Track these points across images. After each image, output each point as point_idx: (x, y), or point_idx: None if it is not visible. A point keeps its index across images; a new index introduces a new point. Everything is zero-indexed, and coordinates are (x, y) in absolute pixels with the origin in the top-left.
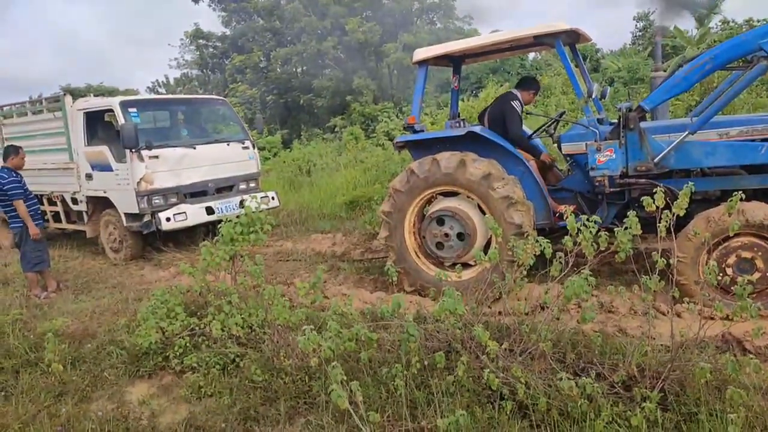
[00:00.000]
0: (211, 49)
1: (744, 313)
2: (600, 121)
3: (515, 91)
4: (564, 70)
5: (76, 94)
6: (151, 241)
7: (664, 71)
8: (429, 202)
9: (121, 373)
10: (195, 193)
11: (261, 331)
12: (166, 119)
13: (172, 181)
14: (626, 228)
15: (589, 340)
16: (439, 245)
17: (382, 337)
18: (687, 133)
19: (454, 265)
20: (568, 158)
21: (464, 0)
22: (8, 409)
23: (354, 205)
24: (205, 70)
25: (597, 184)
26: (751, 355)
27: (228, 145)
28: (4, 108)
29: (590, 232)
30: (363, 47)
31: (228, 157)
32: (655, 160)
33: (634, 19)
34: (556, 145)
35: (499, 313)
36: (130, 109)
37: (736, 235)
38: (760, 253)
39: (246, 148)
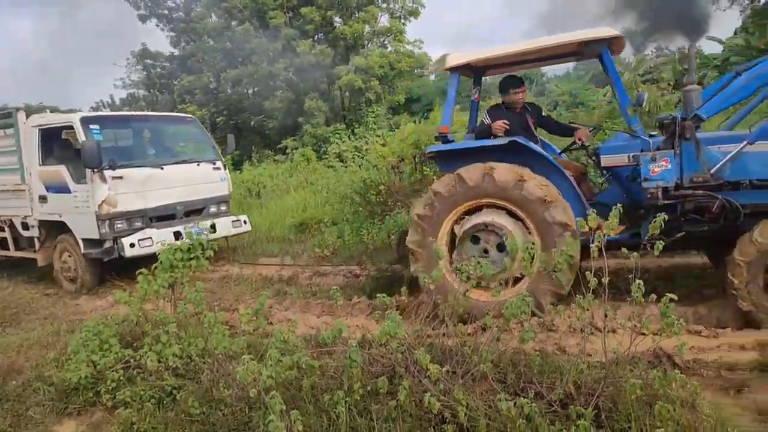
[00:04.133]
0: (159, 69)
1: (670, 329)
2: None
3: (498, 103)
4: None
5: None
6: (112, 269)
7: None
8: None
9: (47, 411)
10: (162, 216)
11: (200, 361)
12: (129, 137)
13: (137, 204)
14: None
15: (529, 360)
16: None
17: (325, 364)
18: (745, 143)
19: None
20: (605, 171)
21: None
22: None
23: (303, 228)
24: (152, 90)
25: (649, 196)
26: (677, 370)
27: (198, 165)
28: None
29: (527, 254)
30: (315, 69)
31: (198, 179)
32: (712, 171)
33: None
34: (590, 158)
35: (444, 334)
36: (92, 126)
37: None
38: None
39: (217, 168)
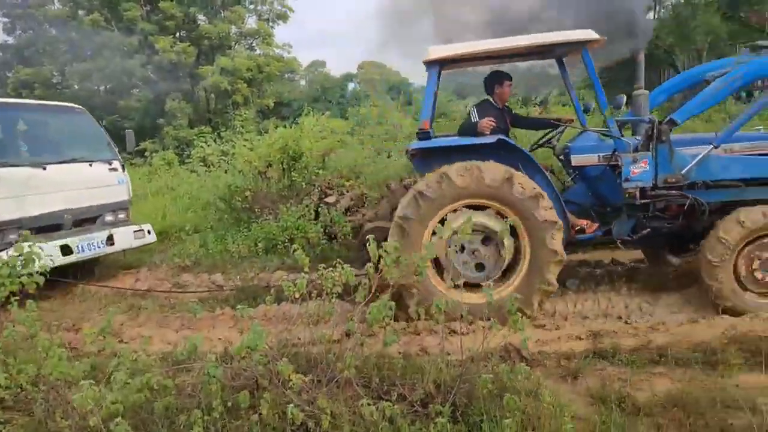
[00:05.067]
0: None
1: (516, 326)
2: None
3: (486, 98)
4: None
5: None
6: None
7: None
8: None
9: None
10: (45, 227)
11: (33, 390)
12: None
13: (13, 212)
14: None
15: (392, 363)
16: (479, 266)
17: (182, 382)
18: (712, 147)
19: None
20: (573, 170)
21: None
22: None
23: (162, 237)
24: None
25: (627, 195)
26: (524, 363)
27: (90, 165)
28: None
29: (391, 258)
30: (176, 68)
31: (91, 181)
32: (683, 172)
33: None
34: (558, 156)
35: (311, 343)
36: None
37: (760, 237)
38: None
39: (114, 169)
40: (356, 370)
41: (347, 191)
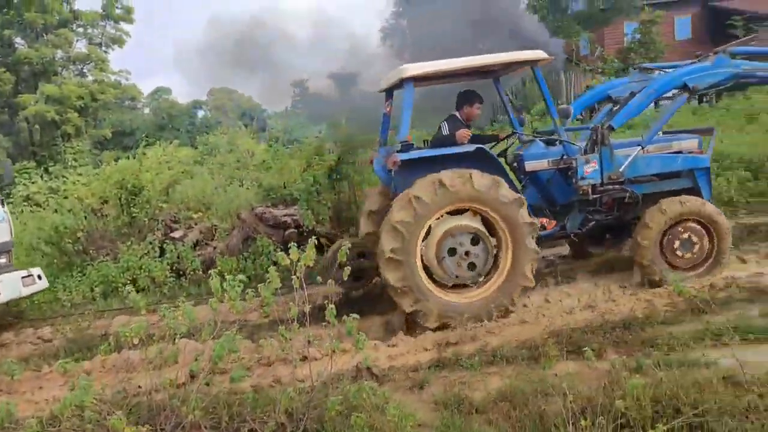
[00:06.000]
0: None
1: (358, 346)
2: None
3: (454, 114)
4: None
5: None
6: None
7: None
8: None
9: None
10: None
11: None
12: None
13: None
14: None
15: (242, 399)
16: (471, 265)
17: None
18: (640, 148)
19: (453, 286)
20: (524, 176)
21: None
22: None
23: None
24: None
25: (582, 192)
26: (374, 380)
27: None
28: None
29: (236, 291)
30: None
31: None
32: (620, 170)
33: (291, 85)
34: (510, 164)
35: (154, 390)
36: None
37: (679, 222)
38: (696, 235)
39: None
40: (204, 411)
41: (195, 224)
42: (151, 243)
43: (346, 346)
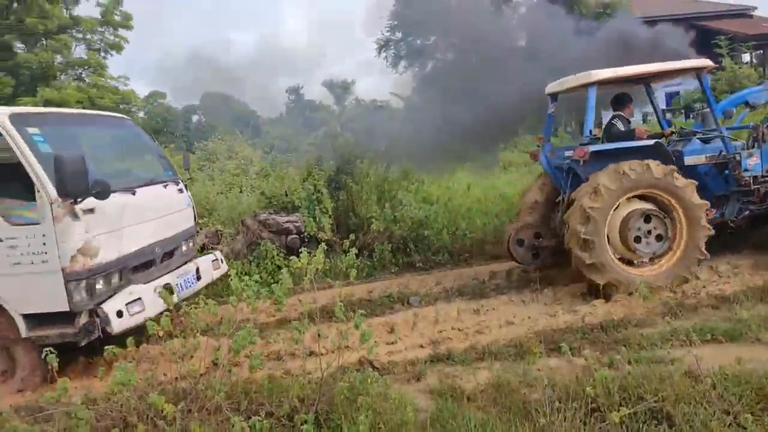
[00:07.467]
0: None
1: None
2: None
3: (620, 113)
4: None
5: None
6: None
7: None
8: None
9: None
10: (140, 265)
11: None
12: (73, 147)
13: (114, 250)
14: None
15: (259, 386)
16: (638, 239)
17: (45, 431)
18: None
19: (630, 263)
20: (680, 170)
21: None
22: None
23: None
24: None
25: (743, 182)
26: (375, 371)
27: (165, 187)
28: None
29: (252, 290)
30: None
31: (170, 206)
32: None
33: (286, 92)
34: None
35: (176, 378)
36: (31, 130)
37: None
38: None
39: (181, 191)
40: (225, 395)
41: (200, 229)
42: None
43: (351, 342)
